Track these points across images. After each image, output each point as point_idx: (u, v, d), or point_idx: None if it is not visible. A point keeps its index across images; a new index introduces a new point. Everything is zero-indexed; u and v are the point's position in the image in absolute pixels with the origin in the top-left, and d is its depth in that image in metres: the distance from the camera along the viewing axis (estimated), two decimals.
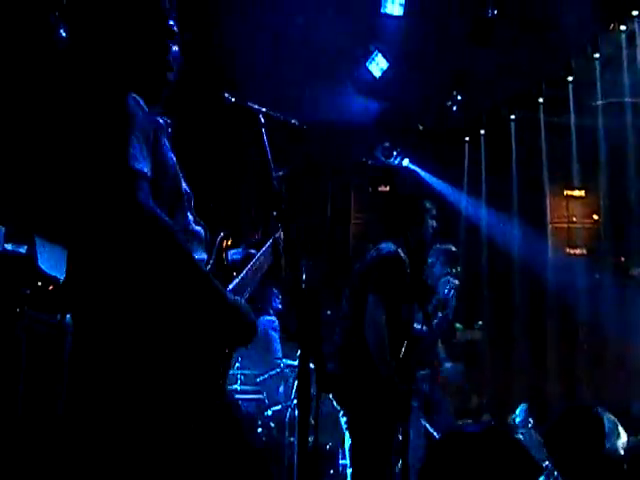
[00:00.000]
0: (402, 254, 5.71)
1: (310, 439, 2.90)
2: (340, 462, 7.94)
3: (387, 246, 5.77)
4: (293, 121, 3.42)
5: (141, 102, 2.99)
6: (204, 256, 3.20)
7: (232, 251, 3.58)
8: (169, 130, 3.22)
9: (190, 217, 3.19)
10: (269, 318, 9.45)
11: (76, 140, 2.95)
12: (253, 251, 3.78)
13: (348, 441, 5.65)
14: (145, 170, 2.81)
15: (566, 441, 4.89)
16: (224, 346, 3.07)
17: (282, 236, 3.89)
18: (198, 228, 3.22)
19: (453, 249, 7.32)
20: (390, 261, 5.66)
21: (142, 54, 3.18)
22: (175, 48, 3.27)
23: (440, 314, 6.51)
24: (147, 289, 2.84)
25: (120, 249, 2.83)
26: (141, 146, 2.85)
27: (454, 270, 7.04)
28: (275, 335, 9.33)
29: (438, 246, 7.23)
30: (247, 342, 3.08)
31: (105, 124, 2.88)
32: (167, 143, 3.13)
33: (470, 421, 9.29)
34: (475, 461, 2.35)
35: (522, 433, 8.88)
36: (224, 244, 3.39)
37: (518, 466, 2.36)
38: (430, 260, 7.13)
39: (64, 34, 8.12)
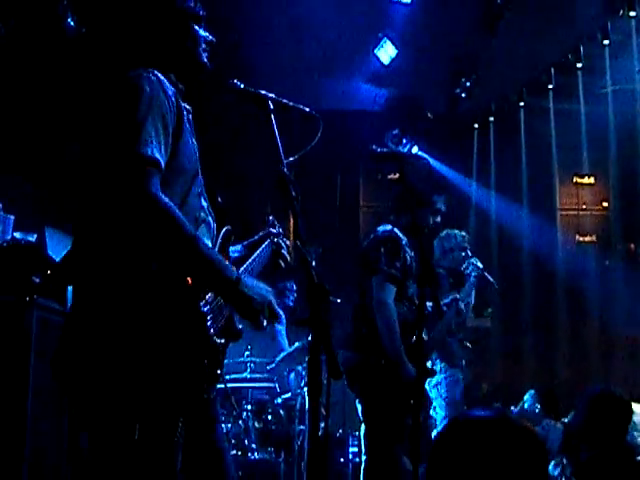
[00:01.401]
0: (399, 233, 5.73)
1: (320, 425, 2.89)
2: (350, 450, 7.95)
3: (383, 227, 5.82)
4: (303, 107, 3.42)
5: (165, 82, 3.01)
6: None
7: (231, 248, 3.60)
8: (189, 117, 3.24)
9: (204, 204, 3.20)
10: None
11: (91, 123, 2.96)
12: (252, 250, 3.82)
13: (363, 428, 5.69)
14: (157, 156, 2.82)
15: (592, 425, 4.87)
16: (210, 337, 3.05)
17: (280, 232, 3.94)
18: (208, 217, 3.23)
19: (463, 233, 7.42)
20: (385, 240, 5.70)
21: (164, 37, 3.22)
22: (202, 32, 3.31)
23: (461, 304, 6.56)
24: (151, 273, 2.86)
25: (127, 234, 2.84)
26: (157, 128, 2.86)
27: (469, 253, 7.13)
28: (280, 327, 9.35)
29: (448, 231, 7.38)
30: (261, 320, 3.07)
31: (119, 106, 2.89)
32: (190, 127, 3.14)
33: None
34: (485, 449, 2.32)
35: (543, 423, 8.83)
36: (227, 239, 3.40)
37: (530, 454, 2.33)
38: (448, 246, 7.29)
39: (72, 22, 8.15)
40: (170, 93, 3.01)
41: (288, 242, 4.02)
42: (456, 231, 7.53)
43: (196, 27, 3.30)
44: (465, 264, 7.02)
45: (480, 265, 6.93)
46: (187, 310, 2.90)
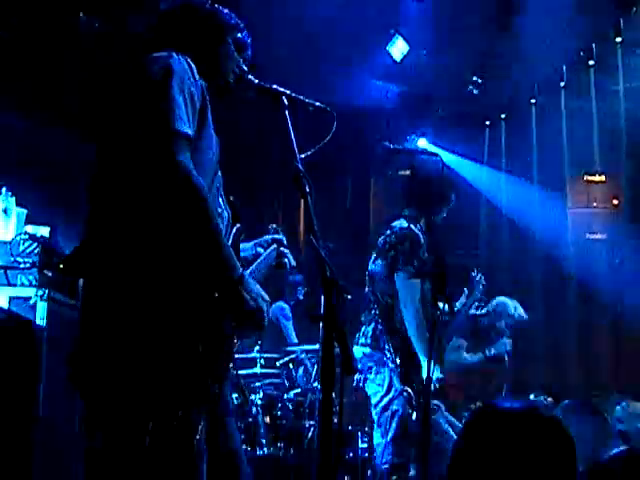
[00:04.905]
0: (415, 230, 5.75)
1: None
2: (359, 445, 7.95)
3: (400, 224, 5.81)
4: (316, 103, 3.43)
5: (193, 67, 3.04)
6: None
7: (241, 246, 3.61)
8: None
9: (221, 199, 3.21)
10: (279, 304, 9.47)
11: (118, 104, 2.98)
12: (261, 250, 3.85)
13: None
14: (189, 132, 2.84)
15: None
16: (225, 329, 3.06)
17: (283, 238, 3.99)
18: (225, 212, 3.24)
19: None
20: (404, 238, 5.70)
21: (204, 52, 3.31)
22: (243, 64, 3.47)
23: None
24: (161, 252, 2.86)
25: (146, 209, 2.86)
26: (187, 109, 2.88)
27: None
28: (286, 322, 9.36)
29: None
30: (248, 325, 3.09)
31: (150, 83, 2.91)
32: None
33: None
34: (513, 440, 2.31)
35: None
36: (238, 237, 3.41)
37: (558, 445, 2.31)
38: None
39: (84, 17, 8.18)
40: (197, 77, 3.04)
41: (290, 254, 4.07)
42: None
43: (237, 55, 3.44)
44: (475, 272, 6.93)
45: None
46: (204, 303, 2.90)
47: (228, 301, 2.96)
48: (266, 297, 3.08)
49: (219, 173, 3.19)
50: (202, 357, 2.87)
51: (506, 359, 7.26)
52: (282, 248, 4.00)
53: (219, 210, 3.15)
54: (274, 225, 4.21)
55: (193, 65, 3.05)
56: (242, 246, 3.64)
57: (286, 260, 4.02)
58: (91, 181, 3.03)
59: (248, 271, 3.51)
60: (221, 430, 3.36)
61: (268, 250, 3.92)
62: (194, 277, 2.88)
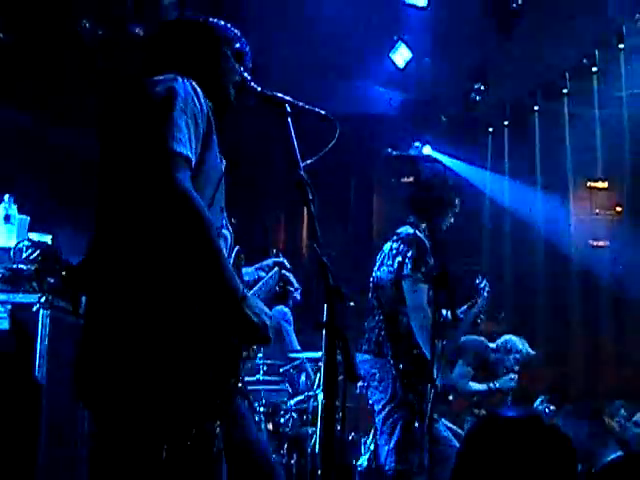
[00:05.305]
0: (421, 236, 5.74)
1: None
2: (362, 452, 7.94)
3: (405, 230, 5.81)
4: (320, 110, 3.43)
5: (199, 91, 3.02)
6: None
7: (243, 270, 3.58)
8: None
9: (224, 218, 3.19)
10: (279, 309, 9.44)
11: (125, 123, 2.96)
12: (262, 274, 3.84)
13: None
14: (188, 153, 2.81)
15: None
16: (233, 341, 3.02)
17: (285, 261, 3.98)
18: (226, 232, 3.21)
19: None
20: (410, 244, 5.70)
21: (202, 68, 3.28)
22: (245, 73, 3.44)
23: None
24: (167, 271, 2.82)
25: (149, 227, 2.82)
26: (189, 132, 2.86)
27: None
28: (287, 326, 9.32)
29: None
30: (254, 341, 3.09)
31: (152, 104, 2.89)
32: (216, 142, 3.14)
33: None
34: (515, 448, 2.32)
35: None
36: (238, 259, 3.39)
37: (559, 453, 2.32)
38: None
39: (87, 25, 8.20)
40: (203, 101, 3.01)
41: (292, 277, 4.07)
42: None
43: (237, 66, 3.40)
44: (479, 278, 6.91)
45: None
46: (210, 321, 2.87)
47: (232, 320, 2.90)
48: (269, 313, 3.03)
49: (223, 192, 3.17)
50: (210, 376, 2.85)
51: (510, 394, 7.41)
52: (284, 271, 3.98)
53: (222, 230, 3.13)
54: (275, 250, 4.22)
55: (198, 88, 3.02)
56: (243, 270, 3.61)
57: (291, 288, 4.03)
58: (96, 199, 3.01)
59: (250, 292, 3.47)
60: (239, 426, 3.36)
61: (270, 273, 3.91)
62: (197, 295, 2.86)
